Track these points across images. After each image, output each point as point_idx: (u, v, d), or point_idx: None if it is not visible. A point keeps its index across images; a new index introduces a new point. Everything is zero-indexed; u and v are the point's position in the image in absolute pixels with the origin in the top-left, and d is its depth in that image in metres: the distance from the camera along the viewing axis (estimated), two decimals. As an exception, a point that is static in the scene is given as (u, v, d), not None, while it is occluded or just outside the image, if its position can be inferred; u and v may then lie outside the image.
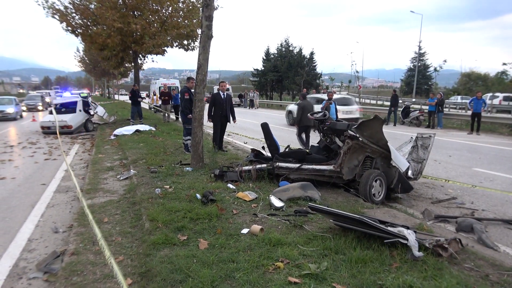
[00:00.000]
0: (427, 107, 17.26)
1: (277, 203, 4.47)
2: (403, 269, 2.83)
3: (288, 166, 5.59)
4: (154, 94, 24.38)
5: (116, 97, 50.93)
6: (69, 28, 15.49)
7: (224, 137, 9.33)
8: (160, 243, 3.41)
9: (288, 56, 43.44)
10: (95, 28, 15.19)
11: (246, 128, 14.76)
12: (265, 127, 6.16)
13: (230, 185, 5.36)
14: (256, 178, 5.73)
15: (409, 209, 4.96)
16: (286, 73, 42.06)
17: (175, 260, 3.03)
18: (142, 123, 14.24)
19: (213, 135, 8.67)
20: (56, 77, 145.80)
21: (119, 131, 12.06)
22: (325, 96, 16.56)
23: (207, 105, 7.59)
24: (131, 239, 3.84)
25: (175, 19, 15.91)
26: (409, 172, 5.84)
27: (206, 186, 5.29)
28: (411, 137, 6.74)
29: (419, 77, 42.38)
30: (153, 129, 12.80)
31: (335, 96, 16.35)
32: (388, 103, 19.14)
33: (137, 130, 12.11)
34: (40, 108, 28.06)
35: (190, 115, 7.49)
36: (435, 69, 45.67)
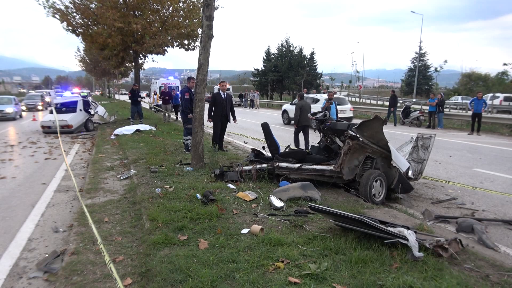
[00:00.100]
0: (427, 108, 17.26)
1: (277, 203, 4.47)
2: (403, 270, 2.83)
3: (289, 166, 5.59)
4: (155, 94, 24.39)
5: (117, 96, 50.97)
6: (70, 27, 15.48)
7: (225, 137, 9.33)
8: (160, 243, 3.41)
9: (288, 56, 43.43)
10: (95, 28, 15.18)
11: (246, 128, 14.77)
12: (265, 127, 6.16)
13: (230, 185, 5.36)
14: (257, 178, 5.73)
15: (409, 210, 4.96)
16: (287, 73, 42.05)
17: (175, 260, 3.02)
18: (141, 123, 14.25)
19: (213, 135, 8.67)
20: (57, 76, 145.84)
21: (120, 130, 12.07)
22: (319, 96, 16.71)
23: (207, 105, 7.59)
24: (131, 238, 3.84)
25: (175, 19, 15.91)
26: (410, 173, 5.84)
27: (207, 186, 5.29)
28: (412, 138, 6.74)
29: (419, 77, 42.36)
30: (154, 128, 12.81)
31: (325, 96, 16.52)
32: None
33: (137, 130, 12.11)
34: (40, 107, 27.91)
35: (191, 114, 7.50)
36: (436, 69, 45.64)
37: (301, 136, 9.37)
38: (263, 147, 6.45)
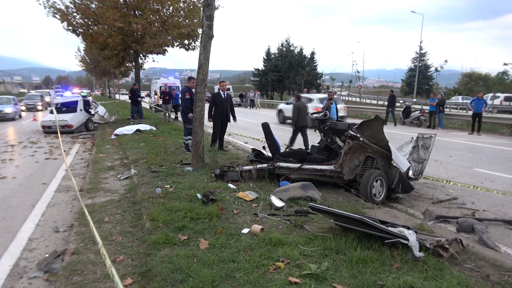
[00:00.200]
0: (427, 107, 17.26)
1: (278, 203, 4.47)
2: (404, 270, 2.82)
3: (289, 166, 5.59)
4: (155, 94, 24.39)
5: (117, 96, 50.98)
6: (70, 27, 15.49)
7: (225, 137, 9.33)
8: (161, 242, 3.41)
9: (289, 56, 43.47)
10: (96, 28, 15.19)
11: (246, 128, 14.77)
12: (266, 127, 6.17)
13: (231, 185, 5.36)
14: (257, 178, 5.72)
15: (409, 210, 4.95)
16: (287, 73, 42.08)
17: (175, 260, 3.02)
18: (140, 123, 14.25)
19: (212, 135, 8.68)
20: (57, 76, 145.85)
21: (120, 130, 12.07)
22: (313, 96, 16.81)
23: (207, 105, 7.60)
24: (131, 238, 3.84)
25: (176, 18, 15.91)
26: (410, 173, 5.84)
27: (207, 186, 5.29)
28: (412, 137, 6.74)
29: (420, 77, 42.33)
30: (154, 128, 12.81)
31: (320, 95, 16.62)
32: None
33: (138, 130, 12.12)
34: (39, 107, 27.73)
35: (191, 114, 7.50)
36: (436, 69, 45.62)
37: (300, 136, 9.37)
38: (264, 147, 6.45)
